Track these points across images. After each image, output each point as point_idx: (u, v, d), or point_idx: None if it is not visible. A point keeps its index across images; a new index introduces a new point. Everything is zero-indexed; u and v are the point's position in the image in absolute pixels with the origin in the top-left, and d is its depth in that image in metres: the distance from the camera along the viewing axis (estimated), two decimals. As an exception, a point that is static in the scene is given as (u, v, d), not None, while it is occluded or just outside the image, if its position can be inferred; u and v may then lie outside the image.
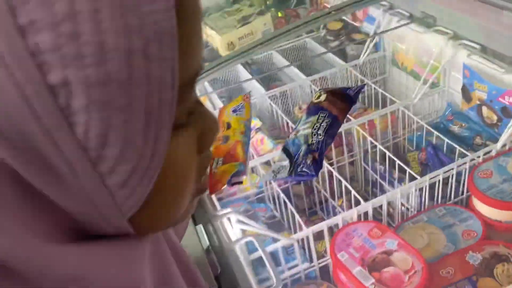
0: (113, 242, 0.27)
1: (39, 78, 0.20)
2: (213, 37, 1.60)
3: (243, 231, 0.82)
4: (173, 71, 0.23)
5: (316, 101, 0.79)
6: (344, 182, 1.03)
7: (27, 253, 0.24)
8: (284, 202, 1.04)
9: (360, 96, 1.45)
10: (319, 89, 0.85)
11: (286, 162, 0.75)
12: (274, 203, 1.17)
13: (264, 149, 1.19)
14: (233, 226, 0.82)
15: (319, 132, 0.74)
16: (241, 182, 0.74)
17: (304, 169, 0.70)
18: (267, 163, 1.15)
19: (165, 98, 0.23)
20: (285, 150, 0.77)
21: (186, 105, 0.27)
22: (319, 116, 0.76)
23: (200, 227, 0.77)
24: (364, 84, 0.84)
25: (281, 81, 1.67)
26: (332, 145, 1.27)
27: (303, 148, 0.74)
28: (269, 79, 1.67)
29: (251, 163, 1.09)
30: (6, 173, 0.22)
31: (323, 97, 0.78)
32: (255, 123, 1.28)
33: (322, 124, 0.75)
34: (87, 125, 0.21)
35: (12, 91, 0.20)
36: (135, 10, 0.21)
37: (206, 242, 0.73)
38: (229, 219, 0.82)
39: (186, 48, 0.24)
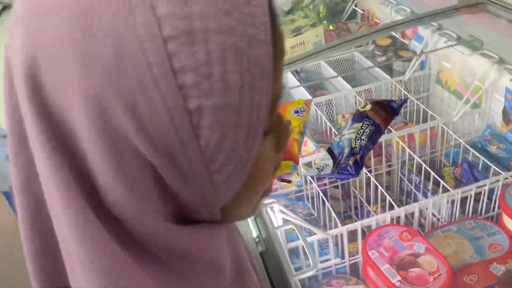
0: (207, 226, 0.35)
1: (182, 105, 0.27)
2: (267, 44, 1.70)
3: (284, 221, 0.91)
4: (268, 96, 0.30)
5: (362, 109, 0.87)
6: (380, 188, 1.10)
7: (159, 231, 0.32)
8: (322, 200, 1.12)
9: (402, 110, 1.52)
10: (365, 99, 0.93)
11: (330, 161, 0.84)
12: (312, 203, 1.26)
13: (306, 151, 1.28)
14: (276, 215, 0.91)
15: (362, 138, 0.82)
16: (290, 181, 0.84)
17: (347, 168, 0.78)
18: (309, 164, 1.24)
19: (261, 116, 0.30)
20: (330, 151, 0.86)
21: (272, 117, 0.34)
22: (363, 123, 0.84)
23: (251, 218, 0.87)
24: (407, 98, 0.92)
25: (326, 90, 1.75)
26: (372, 153, 1.34)
27: (346, 150, 0.83)
28: (315, 87, 1.76)
29: (294, 163, 1.19)
30: (150, 171, 0.29)
31: (368, 107, 0.87)
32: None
33: (366, 131, 0.83)
34: (209, 138, 0.28)
35: (163, 113, 0.27)
36: (248, 54, 0.28)
37: (255, 232, 0.83)
38: (272, 208, 0.92)
39: (275, 77, 0.31)
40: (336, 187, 1.32)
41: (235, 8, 0.27)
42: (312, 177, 1.21)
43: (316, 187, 1.17)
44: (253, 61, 0.28)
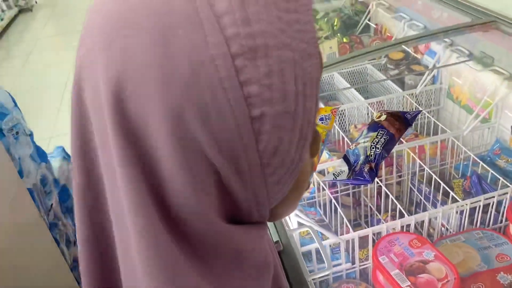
0: (255, 226, 0.37)
1: (247, 113, 0.30)
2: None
3: (299, 224, 0.95)
4: (317, 103, 0.34)
5: (377, 119, 0.92)
6: (391, 196, 1.14)
7: (217, 231, 0.34)
8: (335, 207, 1.16)
9: (413, 123, 1.55)
10: (380, 110, 0.97)
11: (345, 168, 0.88)
12: (324, 209, 1.29)
13: (320, 159, 1.32)
14: (291, 219, 0.95)
15: (377, 146, 0.86)
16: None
17: (362, 174, 0.82)
18: (322, 172, 1.28)
19: (311, 121, 0.33)
20: (345, 158, 0.90)
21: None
22: (378, 132, 0.88)
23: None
24: (421, 110, 0.95)
25: (339, 100, 1.79)
26: (383, 164, 1.38)
27: (362, 158, 0.87)
28: (328, 98, 1.80)
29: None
30: (214, 174, 0.32)
31: (383, 117, 0.91)
32: (314, 135, 1.41)
33: (381, 140, 0.87)
34: (267, 142, 0.31)
35: (231, 121, 0.30)
36: (301, 66, 0.31)
37: (273, 232, 0.87)
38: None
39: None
40: (347, 195, 1.36)
41: (288, 26, 0.31)
42: (325, 184, 1.25)
43: (329, 193, 1.20)
44: (306, 72, 0.32)
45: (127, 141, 0.31)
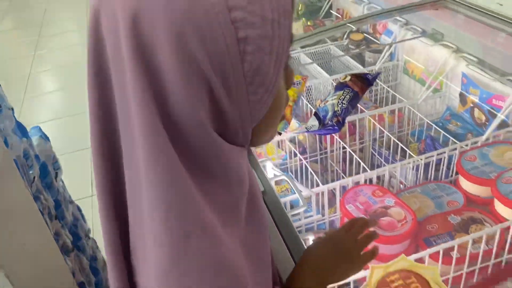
0: (239, 147, 0.43)
1: (234, 35, 0.36)
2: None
3: (275, 176, 1.06)
4: (289, 33, 0.40)
5: (342, 81, 1.03)
6: (355, 156, 1.26)
7: (210, 141, 0.39)
8: (305, 170, 1.27)
9: (373, 97, 1.69)
10: (345, 73, 1.09)
11: (316, 123, 0.99)
12: (296, 174, 1.40)
13: (290, 128, 1.42)
14: (268, 171, 1.05)
15: (343, 102, 0.98)
16: (280, 134, 0.99)
17: (331, 125, 0.94)
18: (292, 140, 1.39)
19: (285, 48, 0.40)
20: (316, 115, 1.01)
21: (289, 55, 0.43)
22: (344, 91, 1.00)
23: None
24: (380, 72, 1.08)
25: (305, 80, 1.91)
26: (347, 132, 1.50)
27: (330, 113, 0.98)
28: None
29: (279, 138, 1.34)
30: (208, 88, 0.37)
31: (348, 78, 1.03)
32: (283, 108, 1.52)
33: (346, 97, 0.99)
34: (251, 62, 0.37)
35: (222, 41, 0.36)
36: None
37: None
38: (265, 167, 1.06)
39: (291, 23, 0.41)
40: (315, 161, 1.48)
41: None
42: (296, 151, 1.36)
43: (302, 158, 1.31)
44: (280, 4, 0.38)
45: (138, 55, 0.36)
